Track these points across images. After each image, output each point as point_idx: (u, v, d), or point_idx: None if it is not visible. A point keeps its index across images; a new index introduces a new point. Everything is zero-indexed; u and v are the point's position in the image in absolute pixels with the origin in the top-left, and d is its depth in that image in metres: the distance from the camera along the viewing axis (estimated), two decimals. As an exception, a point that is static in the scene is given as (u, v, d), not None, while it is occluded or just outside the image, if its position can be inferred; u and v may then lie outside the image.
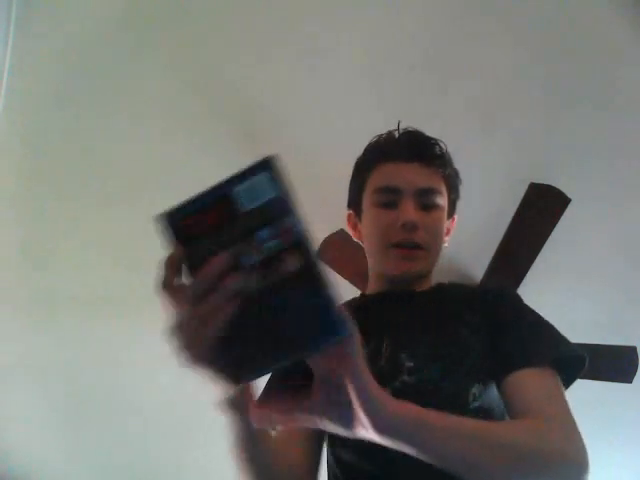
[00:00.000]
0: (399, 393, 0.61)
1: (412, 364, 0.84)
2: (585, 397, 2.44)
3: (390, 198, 0.94)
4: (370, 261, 1.02)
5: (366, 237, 1.00)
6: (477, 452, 0.60)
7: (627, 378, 2.02)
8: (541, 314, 0.88)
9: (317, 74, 1.74)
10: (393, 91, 1.77)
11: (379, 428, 0.52)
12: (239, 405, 0.61)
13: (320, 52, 1.70)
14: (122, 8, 1.64)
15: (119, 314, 2.32)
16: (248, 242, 0.49)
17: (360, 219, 1.03)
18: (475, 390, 0.82)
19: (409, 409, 0.56)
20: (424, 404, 0.58)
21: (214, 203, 0.52)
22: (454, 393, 0.82)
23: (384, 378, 0.76)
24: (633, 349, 2.00)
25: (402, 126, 1.06)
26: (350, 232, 1.09)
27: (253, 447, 0.71)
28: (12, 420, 2.68)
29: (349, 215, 1.07)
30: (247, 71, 1.74)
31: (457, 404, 0.81)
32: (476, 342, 0.86)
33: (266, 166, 0.51)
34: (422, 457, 0.57)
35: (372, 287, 1.02)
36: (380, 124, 1.86)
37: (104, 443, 2.78)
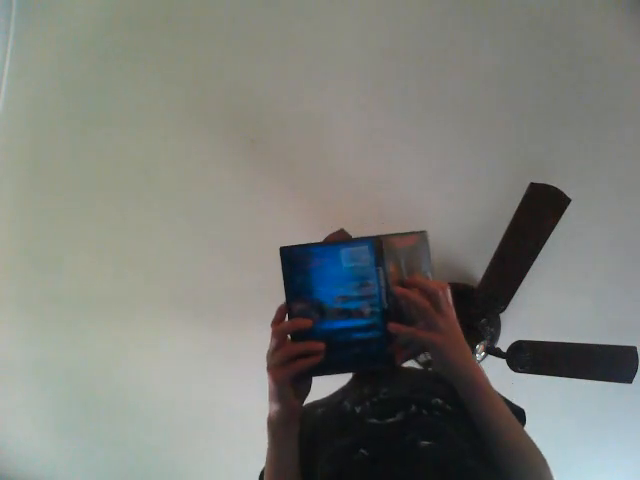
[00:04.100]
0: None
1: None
2: (585, 397, 2.45)
3: None
4: None
5: None
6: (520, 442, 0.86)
7: (627, 378, 2.01)
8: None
9: (317, 74, 1.74)
10: (393, 91, 1.77)
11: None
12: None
13: (322, 53, 1.70)
14: (124, 8, 1.64)
15: (120, 315, 2.32)
16: (340, 286, 0.77)
17: None
18: None
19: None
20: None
21: (325, 252, 0.78)
22: None
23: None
24: (633, 349, 1.99)
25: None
26: None
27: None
28: (12, 420, 2.69)
29: None
30: (248, 72, 1.74)
31: None
32: None
33: (369, 241, 0.78)
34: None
35: None
36: (380, 123, 1.86)
37: (104, 443, 2.79)
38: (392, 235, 0.81)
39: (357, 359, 0.80)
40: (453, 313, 0.83)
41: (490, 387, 0.86)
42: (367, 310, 0.78)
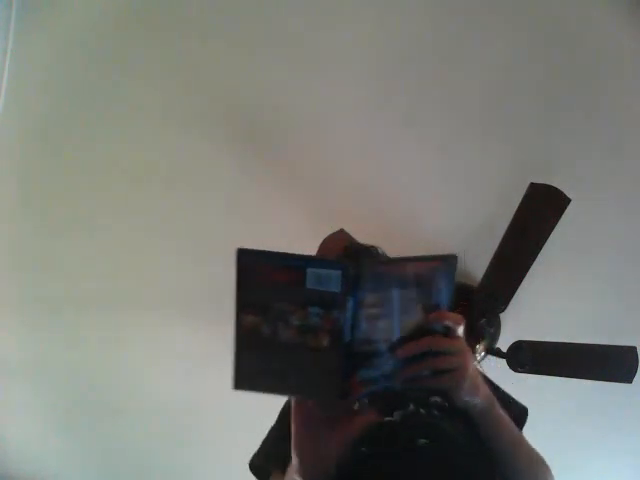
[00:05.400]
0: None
1: None
2: (585, 397, 2.44)
3: None
4: None
5: None
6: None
7: (627, 378, 2.01)
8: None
9: (317, 74, 1.74)
10: (394, 91, 1.77)
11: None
12: None
13: (321, 53, 1.70)
14: (122, 8, 1.64)
15: (118, 315, 2.31)
16: (300, 308, 0.64)
17: None
18: None
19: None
20: None
21: (289, 268, 0.64)
22: None
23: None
24: (633, 349, 1.99)
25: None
26: None
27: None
28: (12, 420, 2.68)
29: None
30: (248, 72, 1.74)
31: None
32: None
33: (342, 267, 0.64)
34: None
35: None
36: (380, 123, 1.86)
37: (103, 443, 2.78)
38: (396, 260, 0.70)
39: (305, 380, 0.68)
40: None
41: (503, 416, 0.84)
42: (325, 340, 0.65)
